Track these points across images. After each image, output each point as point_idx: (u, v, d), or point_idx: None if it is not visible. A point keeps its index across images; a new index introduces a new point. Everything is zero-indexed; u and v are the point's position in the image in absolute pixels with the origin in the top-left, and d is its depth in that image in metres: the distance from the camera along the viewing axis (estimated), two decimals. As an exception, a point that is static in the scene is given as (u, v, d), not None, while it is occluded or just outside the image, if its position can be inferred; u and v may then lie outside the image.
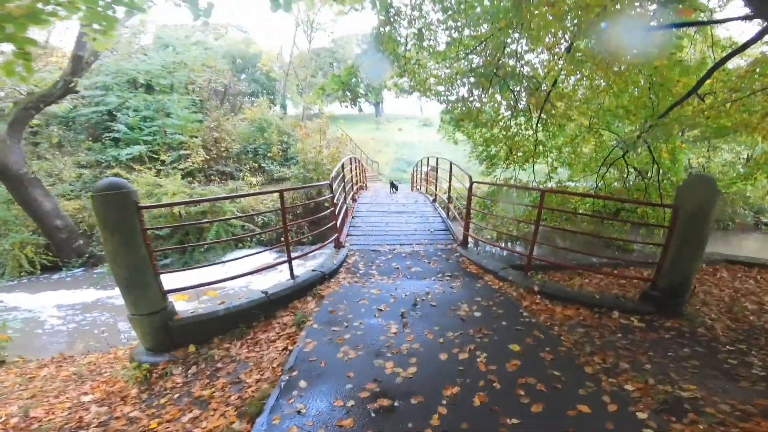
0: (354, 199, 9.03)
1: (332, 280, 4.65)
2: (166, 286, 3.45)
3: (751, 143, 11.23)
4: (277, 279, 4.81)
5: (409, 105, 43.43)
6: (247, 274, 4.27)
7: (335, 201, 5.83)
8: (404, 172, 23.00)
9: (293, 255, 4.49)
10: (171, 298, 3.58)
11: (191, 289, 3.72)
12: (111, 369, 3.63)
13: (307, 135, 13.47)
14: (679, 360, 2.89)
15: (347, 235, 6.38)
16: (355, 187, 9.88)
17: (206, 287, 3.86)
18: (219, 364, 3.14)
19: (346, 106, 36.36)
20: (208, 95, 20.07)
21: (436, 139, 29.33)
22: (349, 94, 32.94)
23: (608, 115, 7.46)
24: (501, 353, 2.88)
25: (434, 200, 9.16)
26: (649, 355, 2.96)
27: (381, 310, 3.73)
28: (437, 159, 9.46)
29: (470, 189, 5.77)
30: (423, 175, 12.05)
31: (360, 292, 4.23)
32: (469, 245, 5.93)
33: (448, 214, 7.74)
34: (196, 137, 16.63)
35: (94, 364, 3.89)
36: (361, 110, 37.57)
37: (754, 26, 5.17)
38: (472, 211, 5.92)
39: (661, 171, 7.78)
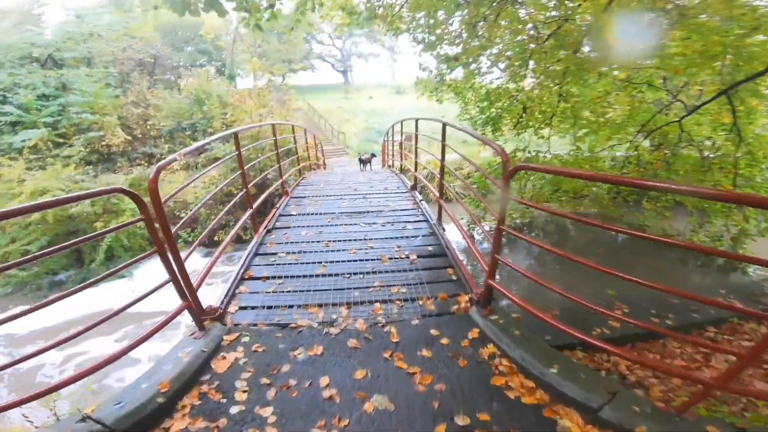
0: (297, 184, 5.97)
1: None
2: None
3: None
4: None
5: (381, 72, 39.53)
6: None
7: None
8: (375, 143, 19.80)
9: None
10: None
11: None
12: None
13: (240, 101, 10.08)
14: None
15: (237, 281, 2.95)
16: (300, 167, 6.77)
17: None
18: None
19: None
20: (132, 68, 16.02)
21: (412, 106, 26.09)
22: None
23: (675, 62, 4.48)
24: None
25: (414, 187, 5.34)
26: None
27: None
28: (416, 121, 5.09)
29: (507, 179, 2.19)
30: (396, 147, 8.65)
31: None
32: (492, 302, 2.55)
33: (439, 217, 3.88)
34: (111, 115, 12.94)
35: None
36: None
37: None
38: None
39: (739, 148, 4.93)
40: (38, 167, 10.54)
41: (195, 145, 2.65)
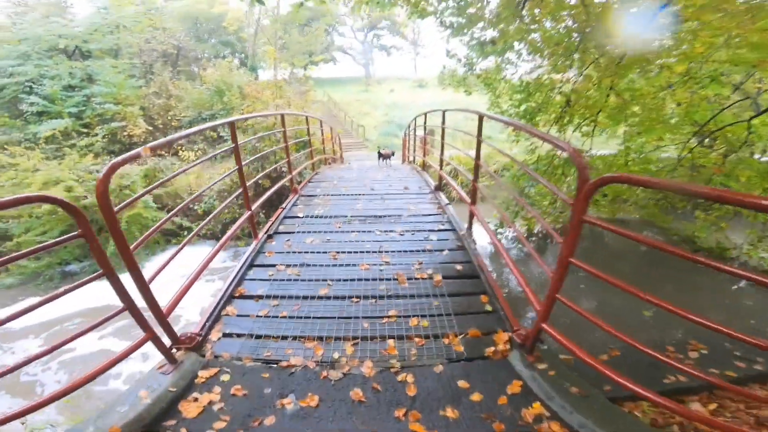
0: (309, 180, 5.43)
1: None
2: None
3: None
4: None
5: (403, 65, 38.57)
6: None
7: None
8: (395, 137, 19.15)
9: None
10: None
11: None
12: None
13: (257, 92, 9.63)
14: None
15: (225, 299, 2.42)
16: (314, 161, 6.25)
17: None
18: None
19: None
20: (156, 59, 16.00)
21: (434, 100, 25.14)
22: None
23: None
24: None
25: (438, 187, 4.64)
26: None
27: None
28: (443, 113, 4.19)
29: (588, 195, 1.52)
30: (419, 141, 7.60)
31: None
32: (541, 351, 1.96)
33: (470, 226, 3.20)
34: (133, 106, 12.91)
35: None
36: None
37: None
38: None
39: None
40: (56, 157, 10.56)
41: (165, 139, 2.14)
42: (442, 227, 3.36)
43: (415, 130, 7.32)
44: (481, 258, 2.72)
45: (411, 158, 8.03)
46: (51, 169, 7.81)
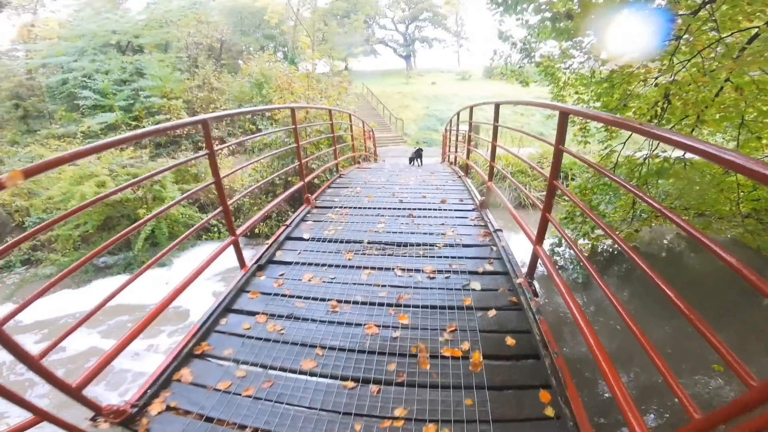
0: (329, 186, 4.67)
1: None
2: None
3: None
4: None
5: (445, 58, 36.73)
6: None
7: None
8: (435, 132, 17.97)
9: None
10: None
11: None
12: None
13: (289, 84, 9.06)
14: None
15: (181, 358, 1.70)
16: (338, 161, 5.49)
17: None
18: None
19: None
20: (201, 52, 16.16)
21: (480, 93, 23.36)
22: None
23: None
24: None
25: (485, 204, 3.46)
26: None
27: None
28: (496, 106, 3.16)
29: None
30: (461, 138, 6.54)
31: None
32: None
33: (531, 272, 2.13)
34: (178, 99, 13.05)
35: None
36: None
37: None
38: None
39: None
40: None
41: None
42: (489, 267, 2.35)
43: (458, 125, 6.29)
44: (545, 325, 1.78)
45: (451, 158, 7.02)
46: (85, 163, 7.80)
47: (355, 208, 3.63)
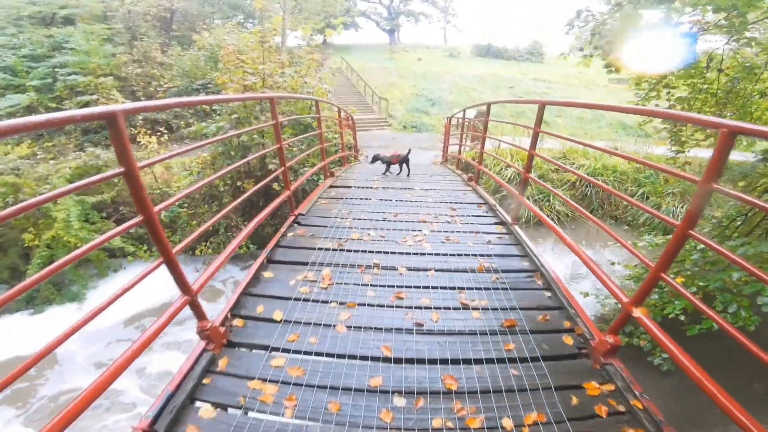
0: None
1: None
2: None
3: None
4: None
5: (431, 34, 33.80)
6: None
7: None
8: (426, 114, 15.65)
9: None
10: None
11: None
12: None
13: (237, 56, 6.22)
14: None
15: None
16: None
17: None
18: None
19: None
20: (145, 24, 13.18)
21: (473, 72, 20.69)
22: None
23: None
24: None
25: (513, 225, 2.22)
26: None
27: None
28: (540, 107, 1.76)
29: None
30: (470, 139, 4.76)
31: None
32: None
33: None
34: (108, 76, 10.30)
35: None
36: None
37: None
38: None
39: None
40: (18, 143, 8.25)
41: None
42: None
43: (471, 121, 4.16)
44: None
45: (461, 165, 4.90)
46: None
47: (325, 264, 1.64)
